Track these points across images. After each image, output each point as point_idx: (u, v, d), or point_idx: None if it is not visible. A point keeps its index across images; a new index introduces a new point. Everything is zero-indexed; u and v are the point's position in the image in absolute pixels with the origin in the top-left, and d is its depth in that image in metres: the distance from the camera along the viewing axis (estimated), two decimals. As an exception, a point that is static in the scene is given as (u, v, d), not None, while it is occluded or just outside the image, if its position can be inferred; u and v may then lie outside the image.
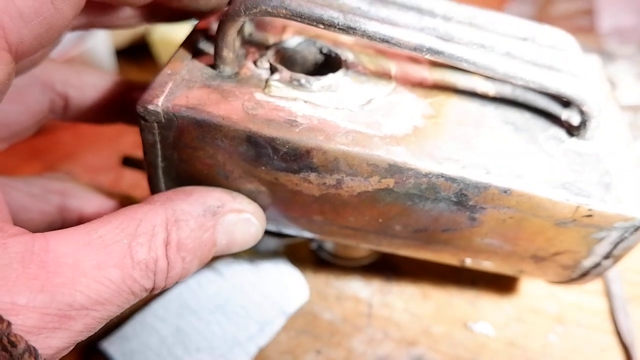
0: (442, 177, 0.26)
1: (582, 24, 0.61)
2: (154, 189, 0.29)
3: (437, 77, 0.30)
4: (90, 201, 0.33)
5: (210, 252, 0.26)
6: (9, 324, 0.18)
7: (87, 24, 0.29)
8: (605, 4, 0.62)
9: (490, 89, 0.30)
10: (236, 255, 0.42)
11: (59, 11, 0.22)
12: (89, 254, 0.21)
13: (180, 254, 0.24)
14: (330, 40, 0.31)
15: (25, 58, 0.23)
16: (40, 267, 0.20)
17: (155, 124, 0.25)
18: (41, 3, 0.21)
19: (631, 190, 0.27)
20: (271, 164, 0.26)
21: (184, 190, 0.26)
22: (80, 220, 0.28)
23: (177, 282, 0.25)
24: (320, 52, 0.31)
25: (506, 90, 0.30)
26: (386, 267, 0.44)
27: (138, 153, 0.40)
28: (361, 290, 0.43)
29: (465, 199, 0.26)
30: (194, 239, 0.25)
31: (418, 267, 0.43)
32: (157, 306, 0.39)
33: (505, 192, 0.26)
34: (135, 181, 0.51)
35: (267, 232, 0.32)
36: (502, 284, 0.43)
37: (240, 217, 0.27)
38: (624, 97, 0.49)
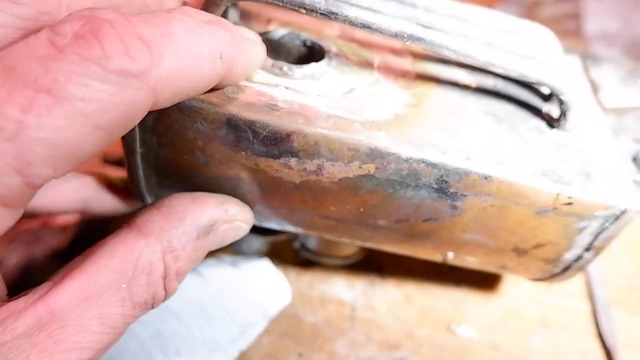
0: (423, 162, 0.26)
1: (569, 27, 0.63)
2: (133, 176, 0.29)
3: (420, 69, 0.31)
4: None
5: (201, 259, 0.27)
6: None
7: None
8: (591, 8, 0.63)
9: (472, 81, 0.31)
10: (219, 258, 0.42)
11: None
12: (90, 308, 0.22)
13: (178, 278, 0.25)
14: (315, 33, 0.31)
15: None
16: (47, 337, 0.21)
17: None
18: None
19: (611, 180, 0.28)
20: (251, 148, 0.26)
21: (176, 211, 0.26)
22: None
23: None
24: (304, 44, 0.31)
25: (488, 83, 0.31)
26: (370, 269, 0.43)
27: (119, 152, 0.40)
28: (344, 293, 0.42)
29: (446, 185, 0.26)
30: (191, 262, 0.26)
31: (402, 269, 0.43)
32: (136, 308, 0.39)
33: (485, 178, 0.26)
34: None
35: (251, 229, 0.31)
36: (486, 287, 0.42)
37: (232, 226, 0.28)
38: (608, 100, 0.50)
